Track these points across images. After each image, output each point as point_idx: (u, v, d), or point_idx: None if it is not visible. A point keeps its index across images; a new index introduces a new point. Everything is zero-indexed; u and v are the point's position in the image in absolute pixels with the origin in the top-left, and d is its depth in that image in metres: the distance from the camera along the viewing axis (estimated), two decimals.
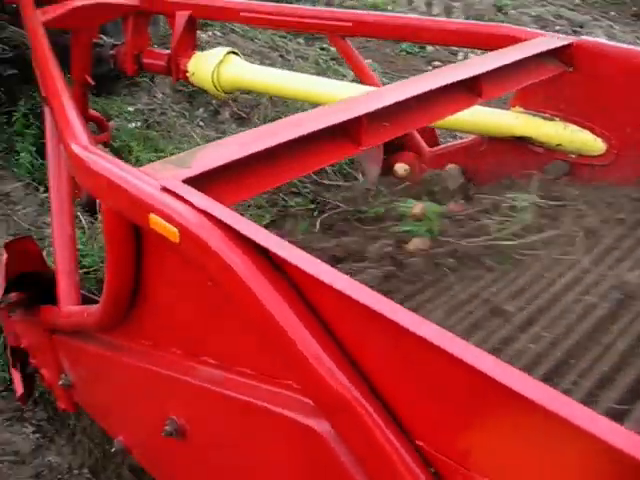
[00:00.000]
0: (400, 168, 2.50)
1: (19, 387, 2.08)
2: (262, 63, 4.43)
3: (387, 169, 2.57)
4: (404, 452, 0.91)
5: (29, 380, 2.12)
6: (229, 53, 2.67)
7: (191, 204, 1.11)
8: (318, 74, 2.49)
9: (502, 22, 5.40)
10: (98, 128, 3.48)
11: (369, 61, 5.03)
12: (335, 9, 2.65)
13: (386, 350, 0.94)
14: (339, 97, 2.08)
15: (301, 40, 5.46)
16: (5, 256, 1.86)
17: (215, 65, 2.63)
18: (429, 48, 5.54)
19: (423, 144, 2.49)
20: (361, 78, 2.53)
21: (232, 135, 1.55)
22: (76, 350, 1.74)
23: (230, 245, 1.06)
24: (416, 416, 0.91)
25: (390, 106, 1.52)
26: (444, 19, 2.56)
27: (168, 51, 2.83)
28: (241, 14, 2.64)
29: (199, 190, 1.17)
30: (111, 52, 3.03)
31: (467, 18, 5.94)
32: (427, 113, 1.63)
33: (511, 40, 2.05)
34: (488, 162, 2.27)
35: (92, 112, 3.37)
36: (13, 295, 1.97)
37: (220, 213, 1.09)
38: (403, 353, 0.91)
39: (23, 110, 3.79)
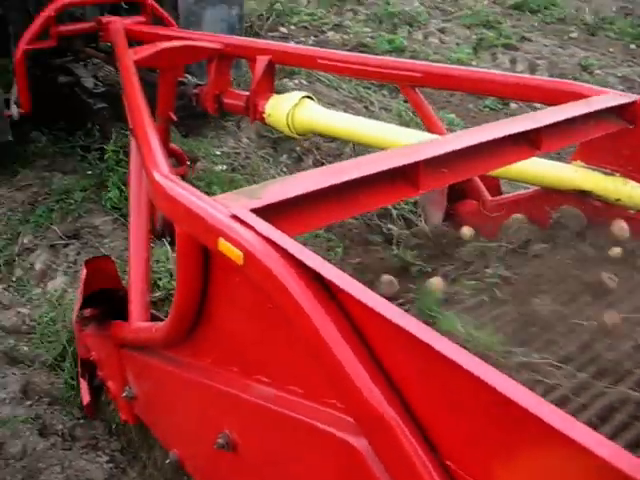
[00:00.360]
0: (466, 231, 2.53)
1: (85, 396, 2.21)
2: (346, 112, 4.58)
3: (449, 215, 2.65)
4: (433, 470, 0.98)
5: (96, 391, 2.26)
6: (304, 97, 2.81)
7: (256, 231, 1.22)
8: (401, 125, 2.60)
9: (587, 82, 5.42)
10: (177, 162, 3.68)
11: (452, 115, 5.14)
12: (406, 60, 2.76)
13: (422, 373, 1.01)
14: (406, 143, 2.19)
15: (385, 92, 5.58)
16: (84, 272, 2.01)
17: (290, 108, 2.77)
18: (512, 105, 5.58)
19: (485, 192, 2.55)
20: (429, 127, 2.63)
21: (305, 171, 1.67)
22: (141, 364, 1.87)
23: (289, 270, 1.16)
24: (446, 436, 0.98)
25: (449, 153, 1.61)
26: (508, 73, 2.64)
27: (247, 92, 2.98)
28: (318, 61, 2.79)
29: (265, 220, 1.28)
30: (194, 91, 3.22)
31: (551, 76, 5.94)
32: (485, 162, 1.71)
33: (576, 96, 2.11)
34: (548, 213, 2.32)
35: (172, 146, 3.57)
36: (88, 310, 2.12)
37: (281, 240, 1.20)
38: (438, 377, 0.99)
39: (114, 147, 4.02)
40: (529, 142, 1.82)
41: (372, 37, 6.91)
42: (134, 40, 3.41)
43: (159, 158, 1.68)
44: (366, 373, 1.07)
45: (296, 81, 5.36)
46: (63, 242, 3.74)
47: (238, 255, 1.23)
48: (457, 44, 7.08)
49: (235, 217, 1.28)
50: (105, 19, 3.79)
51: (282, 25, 7.07)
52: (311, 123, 2.76)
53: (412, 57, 6.23)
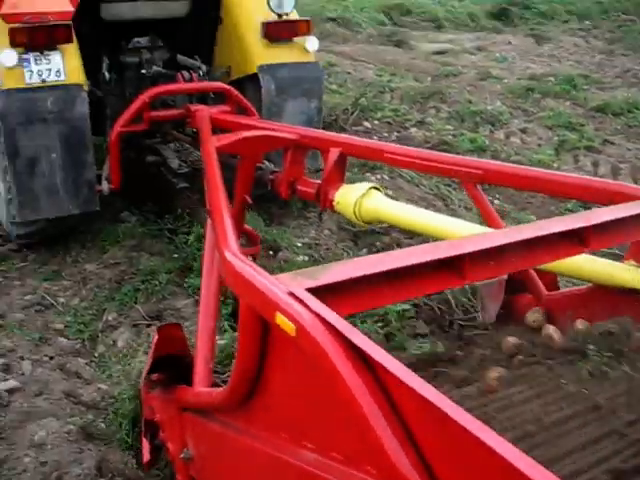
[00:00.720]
0: (530, 317, 2.59)
1: (146, 455, 2.35)
2: (426, 209, 4.64)
3: (506, 308, 2.73)
4: None
5: (156, 451, 2.39)
6: (371, 188, 2.99)
7: (308, 307, 1.37)
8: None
9: None
10: (249, 242, 3.89)
11: (533, 217, 5.15)
12: (468, 158, 2.92)
13: (450, 448, 1.12)
14: (465, 235, 2.32)
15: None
16: (156, 338, 2.19)
17: (358, 197, 2.93)
18: (595, 209, 5.52)
19: (541, 286, 2.63)
20: (489, 222, 2.74)
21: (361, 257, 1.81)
22: (200, 427, 2.00)
23: (334, 343, 1.29)
24: None
25: (495, 247, 1.73)
26: (569, 174, 2.75)
27: (319, 181, 3.18)
28: (384, 155, 2.97)
29: (319, 298, 1.42)
30: (270, 177, 3.45)
31: (635, 181, 5.96)
32: (531, 257, 1.82)
33: (630, 198, 2.21)
34: (601, 310, 2.38)
35: (246, 227, 3.79)
36: (155, 375, 2.28)
37: (330, 317, 1.34)
38: (465, 454, 1.09)
39: (198, 233, 4.23)
40: (577, 239, 1.92)
41: (454, 135, 7.01)
42: (218, 127, 3.69)
43: (230, 238, 1.87)
44: (397, 443, 1.18)
45: (378, 176, 5.51)
46: (146, 322, 3.85)
47: (291, 328, 1.37)
48: (539, 145, 7.11)
49: (291, 294, 1.42)
50: (193, 107, 4.12)
51: (366, 120, 7.28)
52: (376, 212, 2.92)
53: (493, 157, 6.26)
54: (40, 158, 4.04)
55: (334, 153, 3.09)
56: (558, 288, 2.80)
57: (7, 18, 3.89)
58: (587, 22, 15.72)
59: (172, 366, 2.21)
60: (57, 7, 3.99)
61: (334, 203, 3.07)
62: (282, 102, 4.53)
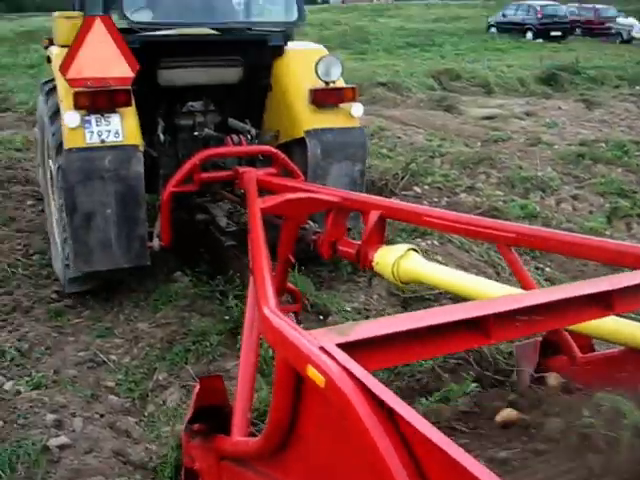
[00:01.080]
0: (553, 378, 2.65)
1: None
2: (477, 276, 4.59)
3: (541, 369, 2.78)
4: None
5: None
6: (410, 250, 3.09)
7: (337, 361, 1.47)
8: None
9: None
10: (293, 299, 4.02)
11: None
12: (503, 221, 3.01)
13: None
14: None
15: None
16: (198, 388, 2.30)
17: (396, 258, 3.03)
18: None
19: (575, 349, 2.68)
20: (524, 285, 2.81)
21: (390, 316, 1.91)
22: (237, 476, 2.09)
23: (359, 395, 1.38)
24: None
25: (521, 308, 1.81)
26: (608, 240, 2.80)
27: (359, 242, 3.29)
28: (423, 218, 3.08)
29: (348, 353, 1.52)
30: (313, 237, 3.58)
31: None
32: (557, 319, 1.89)
33: None
34: (634, 373, 2.41)
35: (289, 285, 3.92)
36: (196, 425, 2.39)
37: (357, 371, 1.43)
38: None
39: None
40: (602, 303, 1.98)
41: (504, 201, 6.99)
42: (264, 189, 3.85)
43: (269, 294, 1.99)
44: None
45: (428, 242, 5.56)
46: (195, 383, 3.89)
47: (321, 380, 1.47)
48: (590, 212, 7.05)
49: (322, 348, 1.53)
50: (241, 169, 4.31)
51: (416, 185, 7.35)
52: (414, 273, 3.01)
53: (544, 224, 6.21)
54: (96, 213, 4.24)
55: (374, 215, 3.21)
56: (593, 350, 2.83)
57: (72, 83, 4.15)
58: (638, 87, 15.75)
59: (212, 416, 2.31)
60: (118, 73, 4.24)
61: (373, 263, 3.17)
62: (327, 165, 4.70)
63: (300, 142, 4.76)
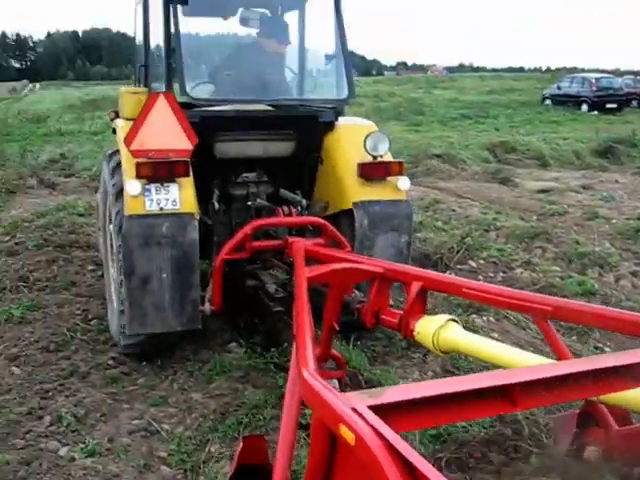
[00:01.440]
0: (590, 452, 2.68)
1: None
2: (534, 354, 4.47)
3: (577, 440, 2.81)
4: None
5: None
6: (449, 320, 3.19)
7: (366, 421, 1.59)
8: None
9: None
10: (337, 366, 4.12)
11: None
12: (538, 294, 3.09)
13: None
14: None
15: (575, 336, 5.41)
16: (240, 446, 2.42)
17: (437, 328, 3.12)
18: None
19: (612, 421, 2.71)
20: (559, 356, 2.88)
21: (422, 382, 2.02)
22: None
23: (387, 455, 1.49)
24: None
25: (548, 378, 1.90)
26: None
27: (401, 312, 3.41)
28: (462, 289, 3.19)
29: (378, 415, 1.64)
30: (357, 306, 3.71)
31: None
32: (584, 389, 1.97)
33: None
34: None
35: (333, 352, 4.03)
36: None
37: (385, 431, 1.55)
38: None
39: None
40: (631, 375, 2.05)
41: (561, 277, 6.89)
42: (312, 258, 4.02)
43: (309, 358, 2.12)
44: None
45: (484, 318, 5.56)
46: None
47: (352, 438, 1.59)
48: None
49: (354, 409, 1.65)
50: (291, 239, 4.50)
51: (471, 259, 7.36)
52: (453, 343, 3.10)
53: (603, 302, 6.07)
54: (152, 277, 4.44)
55: (416, 286, 3.33)
56: (631, 422, 2.86)
57: (135, 153, 4.45)
58: None
59: (254, 474, 2.43)
60: (178, 145, 4.52)
61: (414, 333, 3.27)
62: (374, 236, 4.86)
63: (348, 213, 4.94)
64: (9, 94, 52.24)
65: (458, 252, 7.33)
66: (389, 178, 4.95)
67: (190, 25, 5.21)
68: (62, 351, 5.07)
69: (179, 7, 4.84)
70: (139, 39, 5.77)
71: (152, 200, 4.44)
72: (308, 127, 5.24)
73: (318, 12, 5.57)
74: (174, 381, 4.72)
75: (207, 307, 4.66)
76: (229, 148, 5.15)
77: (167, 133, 4.51)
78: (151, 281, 4.46)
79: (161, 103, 4.51)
